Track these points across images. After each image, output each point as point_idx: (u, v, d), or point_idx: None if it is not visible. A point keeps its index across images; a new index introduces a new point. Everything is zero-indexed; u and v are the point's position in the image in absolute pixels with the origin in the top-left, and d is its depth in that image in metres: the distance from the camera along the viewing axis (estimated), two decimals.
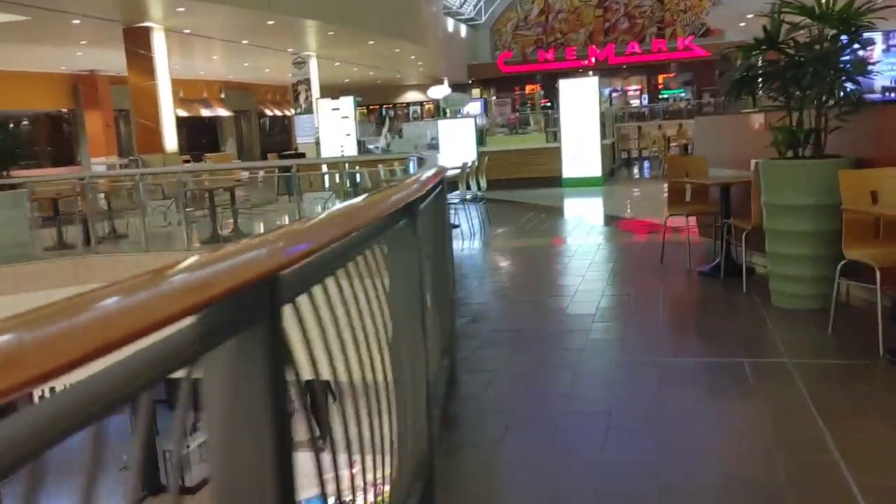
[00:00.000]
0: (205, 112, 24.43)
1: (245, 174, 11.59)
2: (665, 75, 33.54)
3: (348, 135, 13.88)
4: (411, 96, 34.81)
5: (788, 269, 4.63)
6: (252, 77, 24.70)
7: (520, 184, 13.25)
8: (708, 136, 7.30)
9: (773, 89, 4.69)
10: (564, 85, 13.50)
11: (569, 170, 13.32)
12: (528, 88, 32.99)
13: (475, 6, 33.23)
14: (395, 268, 2.26)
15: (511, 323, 5.22)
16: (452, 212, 8.10)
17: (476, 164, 9.39)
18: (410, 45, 18.98)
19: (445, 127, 13.50)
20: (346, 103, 14.35)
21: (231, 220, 8.92)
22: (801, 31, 4.55)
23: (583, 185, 13.07)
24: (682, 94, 32.86)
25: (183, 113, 23.35)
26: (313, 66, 18.70)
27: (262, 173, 11.56)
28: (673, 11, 32.31)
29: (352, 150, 13.81)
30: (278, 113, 29.07)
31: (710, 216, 6.08)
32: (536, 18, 33.82)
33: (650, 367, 3.96)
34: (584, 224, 9.82)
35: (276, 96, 28.38)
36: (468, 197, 8.74)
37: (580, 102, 13.20)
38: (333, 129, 14.11)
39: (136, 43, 12.13)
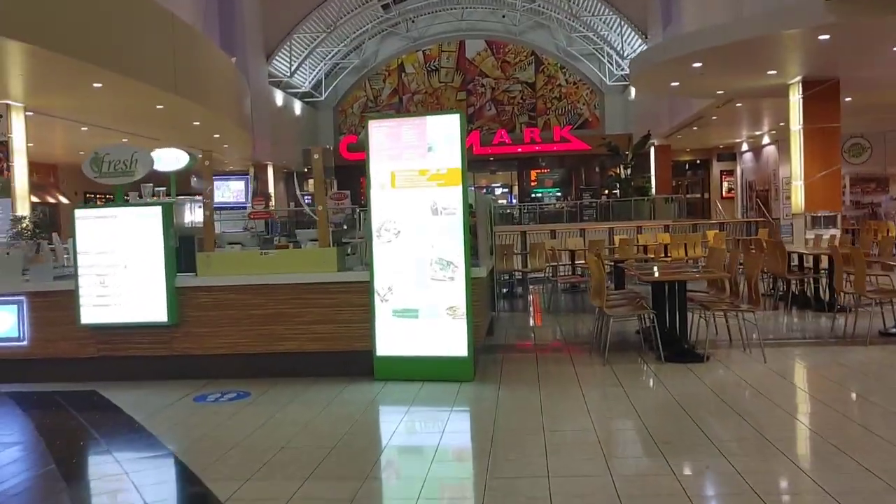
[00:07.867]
0: None
1: None
2: (538, 171, 28.89)
3: None
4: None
5: None
6: None
7: (278, 366, 6.12)
8: None
9: None
10: (377, 129, 6.20)
11: (389, 340, 5.86)
12: None
13: (312, 79, 27.43)
14: None
15: None
16: None
17: None
18: (181, 101, 12.50)
19: (89, 230, 6.24)
20: None
21: None
22: None
23: (427, 376, 5.68)
24: (557, 193, 28.23)
25: None
26: (16, 123, 11.90)
27: None
28: (546, 98, 27.97)
29: None
30: None
31: None
32: (388, 100, 28.56)
33: None
34: None
35: None
36: None
37: (416, 171, 5.95)
38: None
39: None
